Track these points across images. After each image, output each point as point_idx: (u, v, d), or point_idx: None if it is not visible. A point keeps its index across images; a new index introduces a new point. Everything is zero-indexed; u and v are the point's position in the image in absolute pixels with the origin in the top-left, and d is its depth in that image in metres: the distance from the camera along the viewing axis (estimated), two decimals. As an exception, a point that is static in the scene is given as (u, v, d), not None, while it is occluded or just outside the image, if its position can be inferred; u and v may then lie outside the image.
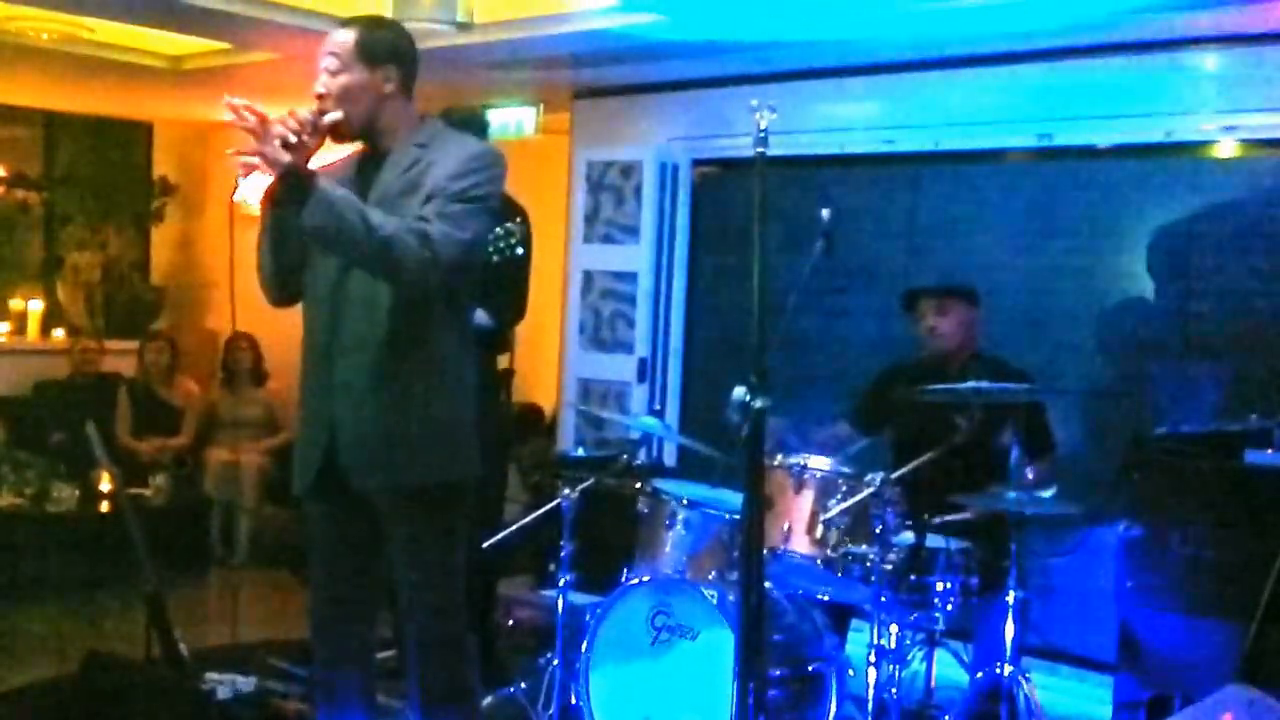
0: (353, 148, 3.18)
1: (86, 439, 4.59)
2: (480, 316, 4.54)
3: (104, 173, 8.20)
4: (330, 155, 3.29)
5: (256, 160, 2.77)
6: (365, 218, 2.81)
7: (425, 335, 3.03)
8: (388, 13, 5.14)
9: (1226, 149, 4.87)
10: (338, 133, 3.03)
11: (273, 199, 2.92)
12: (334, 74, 3.01)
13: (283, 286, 3.18)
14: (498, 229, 4.40)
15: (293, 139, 2.80)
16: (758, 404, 2.53)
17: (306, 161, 2.87)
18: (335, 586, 3.27)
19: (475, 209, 2.95)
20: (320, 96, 3.00)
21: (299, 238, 2.98)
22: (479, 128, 4.82)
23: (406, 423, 3.02)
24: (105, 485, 6.36)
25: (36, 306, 7.91)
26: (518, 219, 4.50)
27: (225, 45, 5.97)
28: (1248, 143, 4.80)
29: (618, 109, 6.37)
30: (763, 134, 2.61)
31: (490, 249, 4.41)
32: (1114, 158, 5.09)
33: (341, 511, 3.18)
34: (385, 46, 3.06)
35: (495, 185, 3.02)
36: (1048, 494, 4.03)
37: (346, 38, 3.03)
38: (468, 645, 3.23)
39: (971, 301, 4.41)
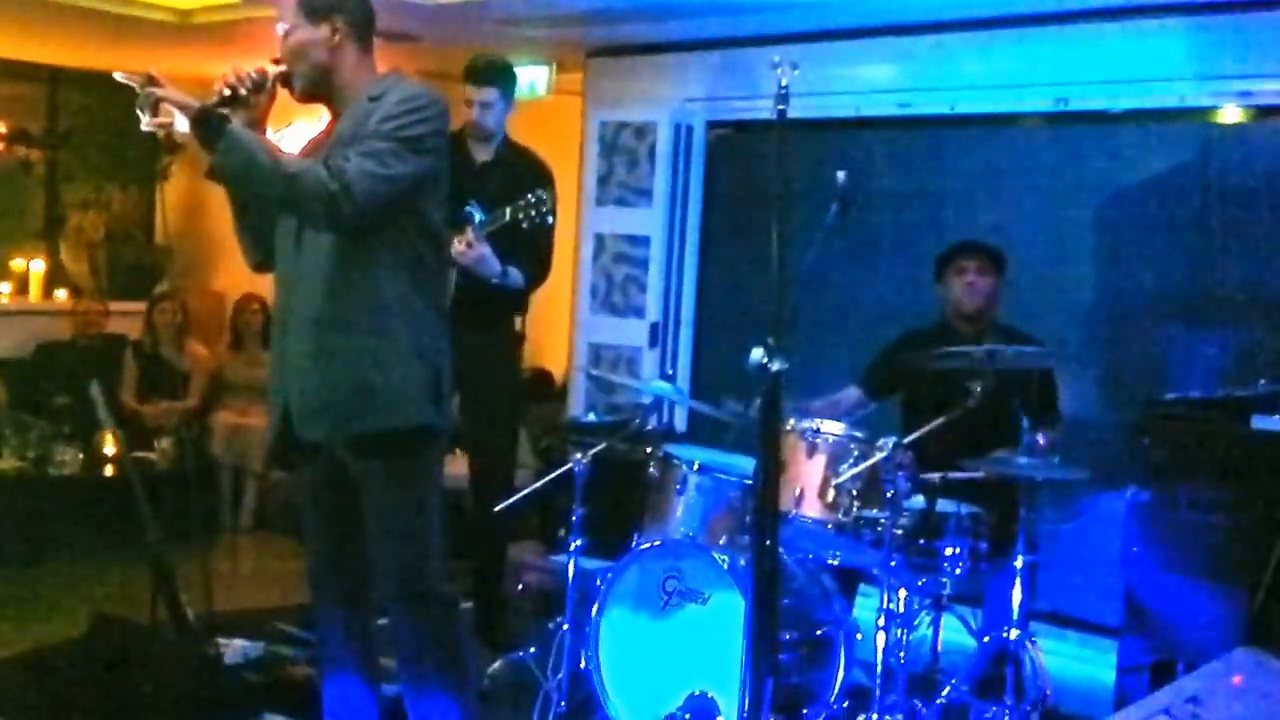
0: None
1: (90, 401, 4.55)
2: (515, 277, 4.54)
3: (109, 130, 7.95)
4: (313, 129, 3.31)
5: (168, 119, 2.85)
6: (274, 157, 2.87)
7: (369, 284, 3.02)
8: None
9: (1240, 114, 4.84)
10: (292, 89, 3.09)
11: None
12: (285, 36, 3.09)
13: (256, 249, 3.23)
14: (530, 197, 4.37)
15: (227, 92, 2.93)
16: (775, 366, 2.50)
17: (261, 118, 3.01)
18: (325, 551, 3.28)
19: (400, 148, 2.94)
20: (275, 61, 3.09)
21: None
22: (505, 78, 4.78)
23: (347, 371, 3.02)
24: (109, 448, 6.34)
25: (39, 267, 7.83)
26: (548, 186, 4.49)
27: (233, 0, 5.92)
28: (1262, 108, 4.76)
29: (632, 69, 6.30)
30: (784, 91, 2.57)
31: (521, 216, 4.38)
32: (1129, 122, 5.05)
33: (320, 473, 3.19)
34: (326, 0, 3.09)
35: (428, 127, 3.00)
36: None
37: None
38: (449, 605, 3.18)
39: (1003, 270, 4.38)
